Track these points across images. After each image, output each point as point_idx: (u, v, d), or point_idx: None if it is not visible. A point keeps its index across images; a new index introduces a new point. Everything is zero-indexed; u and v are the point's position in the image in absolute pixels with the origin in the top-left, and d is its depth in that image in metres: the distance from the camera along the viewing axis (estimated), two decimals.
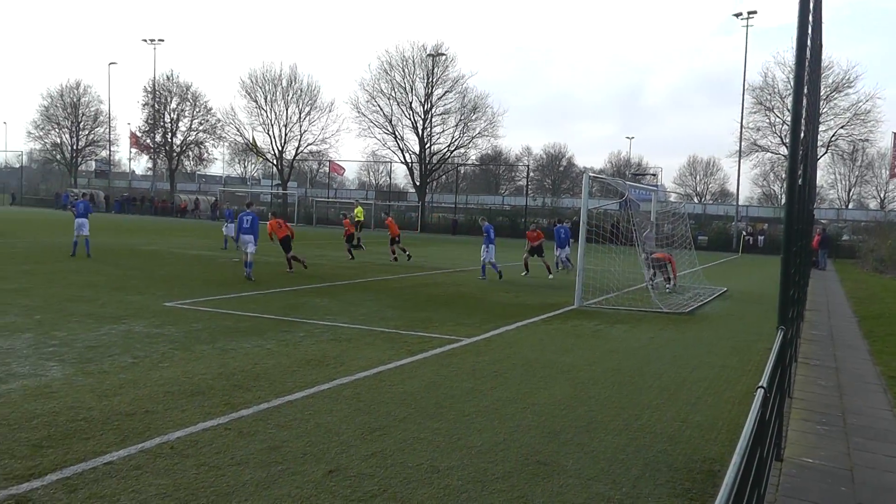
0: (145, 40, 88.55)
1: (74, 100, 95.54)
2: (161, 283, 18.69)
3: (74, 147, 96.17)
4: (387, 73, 74.13)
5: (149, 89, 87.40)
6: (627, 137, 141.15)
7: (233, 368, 9.57)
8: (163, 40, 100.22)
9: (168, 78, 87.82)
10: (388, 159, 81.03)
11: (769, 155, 70.48)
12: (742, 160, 67.54)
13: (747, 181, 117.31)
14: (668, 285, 22.54)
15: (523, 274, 26.17)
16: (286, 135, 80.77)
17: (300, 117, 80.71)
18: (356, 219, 36.80)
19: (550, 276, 25.49)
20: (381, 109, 74.52)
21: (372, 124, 74.92)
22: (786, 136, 65.49)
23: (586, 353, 12.12)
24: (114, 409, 7.53)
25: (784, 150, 66.65)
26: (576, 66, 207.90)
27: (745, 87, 65.07)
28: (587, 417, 8.12)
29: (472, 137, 75.05)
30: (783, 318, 6.79)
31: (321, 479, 5.92)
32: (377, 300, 17.23)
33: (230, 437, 6.82)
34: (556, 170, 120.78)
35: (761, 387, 4.44)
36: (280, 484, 5.77)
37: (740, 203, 74.18)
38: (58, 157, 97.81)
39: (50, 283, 17.30)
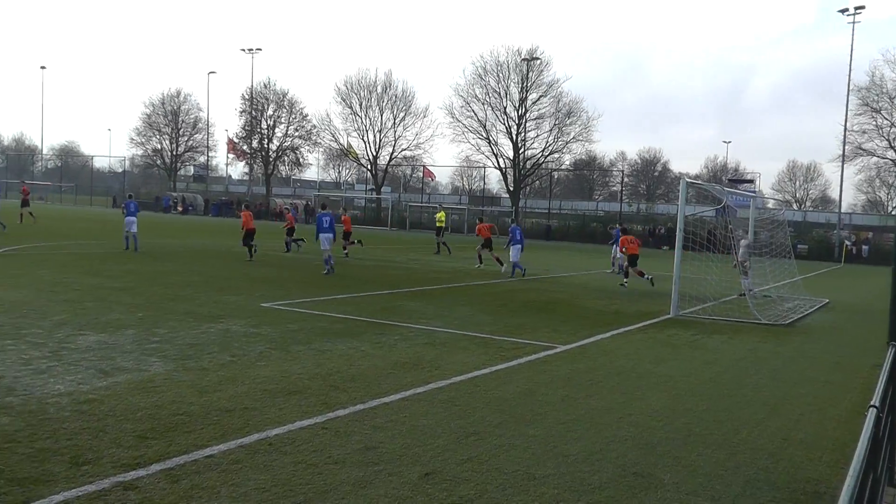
0: (243, 50, 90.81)
1: (175, 108, 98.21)
2: (257, 284, 19.10)
3: (174, 153, 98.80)
4: (481, 77, 73.94)
5: (246, 97, 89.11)
6: (724, 142, 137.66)
7: (328, 369, 9.70)
8: (260, 49, 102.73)
9: (265, 85, 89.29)
10: (481, 164, 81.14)
11: (875, 159, 67.39)
12: (845, 165, 64.88)
13: (850, 187, 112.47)
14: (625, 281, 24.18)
15: (476, 266, 27.93)
16: (380, 140, 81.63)
17: (394, 123, 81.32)
18: (437, 223, 37.98)
19: (502, 269, 26.31)
20: (476, 114, 74.36)
21: (466, 129, 74.90)
22: (894, 139, 63.04)
23: (683, 363, 11.88)
24: (213, 404, 7.72)
25: (892, 154, 64.13)
26: (673, 68, 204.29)
27: (851, 88, 62.46)
28: (685, 430, 7.94)
29: (567, 142, 74.16)
30: (895, 332, 6.52)
31: (417, 481, 5.94)
32: (471, 305, 17.24)
33: (327, 436, 6.91)
34: (650, 175, 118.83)
35: (874, 406, 4.25)
36: (376, 484, 5.81)
37: (843, 210, 71.53)
38: (158, 162, 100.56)
39: (151, 283, 17.87)
